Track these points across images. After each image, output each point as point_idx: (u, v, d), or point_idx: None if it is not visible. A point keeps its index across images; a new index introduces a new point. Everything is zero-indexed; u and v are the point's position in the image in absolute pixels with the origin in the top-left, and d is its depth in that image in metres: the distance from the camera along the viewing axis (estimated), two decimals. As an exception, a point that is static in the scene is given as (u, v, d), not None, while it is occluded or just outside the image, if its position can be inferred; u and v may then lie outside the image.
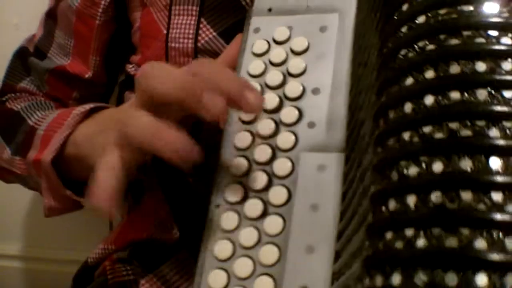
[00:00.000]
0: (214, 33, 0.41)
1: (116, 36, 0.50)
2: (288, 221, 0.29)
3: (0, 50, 0.73)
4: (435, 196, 0.17)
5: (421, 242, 0.16)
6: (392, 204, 0.18)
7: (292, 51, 0.33)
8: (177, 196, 0.30)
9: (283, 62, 0.33)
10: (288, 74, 0.33)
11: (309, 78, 0.32)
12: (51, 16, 0.53)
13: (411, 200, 0.17)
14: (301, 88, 0.32)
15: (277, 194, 0.30)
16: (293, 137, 0.31)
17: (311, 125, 0.31)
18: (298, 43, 0.33)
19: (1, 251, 0.76)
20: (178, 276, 0.38)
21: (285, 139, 0.31)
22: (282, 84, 0.32)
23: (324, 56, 0.32)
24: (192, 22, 0.41)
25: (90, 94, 0.42)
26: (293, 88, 0.32)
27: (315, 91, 0.32)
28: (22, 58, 0.54)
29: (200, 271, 0.30)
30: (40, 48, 0.53)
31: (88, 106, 0.40)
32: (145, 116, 0.29)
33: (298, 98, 0.32)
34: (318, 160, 0.30)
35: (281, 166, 0.30)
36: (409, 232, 0.17)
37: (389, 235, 0.18)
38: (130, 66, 0.47)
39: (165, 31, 0.43)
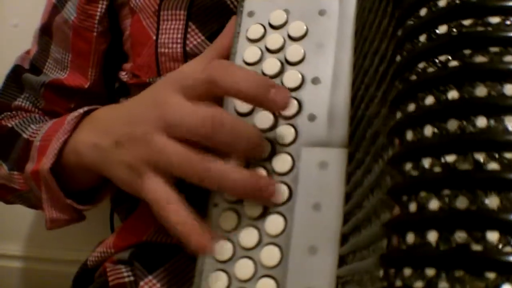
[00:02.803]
0: (203, 37, 0.40)
1: (112, 46, 0.49)
2: (289, 220, 0.28)
3: (0, 50, 0.72)
4: (459, 235, 0.16)
5: (443, 285, 0.16)
6: (410, 238, 0.17)
7: (290, 37, 0.31)
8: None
9: (280, 48, 0.31)
10: (286, 62, 0.31)
11: (308, 66, 0.30)
12: (45, 32, 0.51)
13: (432, 236, 0.16)
14: (300, 77, 0.30)
15: (278, 192, 0.29)
16: (293, 131, 0.29)
17: (312, 117, 0.29)
18: (296, 28, 0.31)
19: (2, 251, 0.76)
20: (178, 278, 0.38)
21: (284, 133, 0.30)
22: (280, 73, 0.30)
23: (324, 43, 0.30)
24: (180, 26, 0.40)
25: (89, 105, 0.40)
26: (292, 77, 0.30)
27: (315, 80, 0.30)
28: (16, 76, 0.52)
29: (199, 273, 0.29)
30: (35, 64, 0.51)
31: (81, 110, 0.39)
32: (174, 145, 0.29)
33: (297, 88, 0.30)
34: (319, 156, 0.29)
35: (281, 162, 0.29)
36: (430, 272, 0.16)
37: (407, 271, 0.17)
38: (123, 73, 0.46)
39: (154, 37, 0.42)
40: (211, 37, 0.40)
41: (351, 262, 0.24)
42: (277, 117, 0.30)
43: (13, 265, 0.75)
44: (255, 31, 0.31)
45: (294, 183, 0.29)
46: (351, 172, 0.27)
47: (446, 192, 0.16)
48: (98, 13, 0.47)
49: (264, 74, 0.31)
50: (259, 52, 0.31)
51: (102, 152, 0.33)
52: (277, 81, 0.30)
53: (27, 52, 0.54)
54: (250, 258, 0.28)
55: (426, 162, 0.17)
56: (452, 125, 0.17)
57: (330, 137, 0.29)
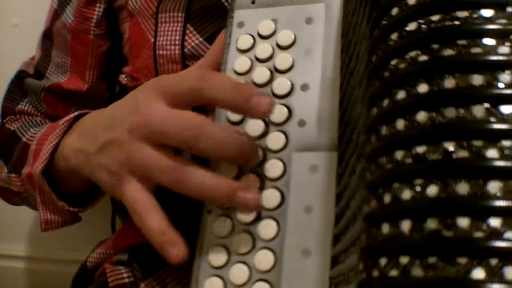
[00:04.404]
0: (201, 39, 0.41)
1: (113, 50, 0.50)
2: (282, 224, 0.29)
3: (0, 50, 0.73)
4: (431, 223, 0.16)
5: (416, 272, 0.16)
6: (385, 229, 0.17)
7: (279, 46, 0.31)
8: (175, 200, 0.30)
9: (270, 57, 0.31)
10: (275, 70, 0.31)
11: (297, 73, 0.31)
12: (47, 37, 0.53)
13: (406, 226, 0.17)
14: (289, 84, 0.31)
15: (270, 197, 0.29)
16: (283, 137, 0.30)
17: (302, 123, 0.30)
18: (284, 37, 0.31)
19: (2, 251, 0.76)
20: (178, 280, 0.38)
21: (275, 139, 0.30)
22: (270, 81, 0.31)
23: (311, 50, 0.31)
24: (178, 28, 0.41)
25: (90, 109, 0.41)
26: (281, 84, 0.31)
27: (304, 87, 0.31)
28: (19, 81, 0.54)
29: (195, 279, 0.29)
30: (39, 69, 0.53)
31: (73, 114, 0.40)
32: (155, 152, 0.29)
33: (287, 95, 0.31)
34: (310, 160, 0.29)
35: (273, 167, 0.30)
36: (404, 260, 0.16)
37: (383, 261, 0.17)
38: (123, 76, 0.47)
39: (152, 39, 0.42)
40: (209, 38, 0.41)
41: (342, 262, 0.25)
42: (268, 124, 0.30)
43: (13, 265, 0.75)
44: (244, 41, 0.32)
45: (286, 188, 0.29)
46: (340, 174, 0.27)
47: (418, 182, 0.17)
48: (95, 16, 0.48)
49: (254, 83, 0.31)
50: (249, 62, 0.32)
51: (86, 157, 0.33)
52: (267, 89, 0.31)
53: (33, 58, 0.55)
54: (244, 263, 0.29)
55: (399, 154, 0.18)
56: (422, 116, 0.17)
57: (320, 141, 0.29)
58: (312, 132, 0.30)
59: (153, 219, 0.28)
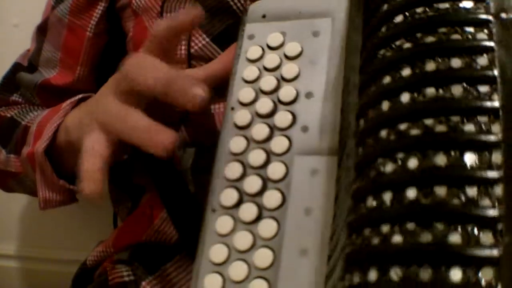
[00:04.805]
0: (207, 39, 0.41)
1: (110, 47, 0.51)
2: (282, 224, 0.29)
3: (0, 50, 0.73)
4: (411, 192, 0.17)
5: (396, 238, 0.16)
6: (369, 201, 0.18)
7: (286, 56, 0.33)
8: (175, 199, 0.31)
9: (277, 67, 0.33)
10: (282, 79, 0.33)
11: (303, 82, 0.32)
12: (41, 30, 0.54)
13: (387, 196, 0.17)
14: (294, 92, 0.32)
15: (271, 198, 0.30)
16: (287, 141, 0.31)
17: (305, 129, 0.31)
18: (292, 48, 0.33)
19: (2, 251, 0.75)
20: (178, 278, 0.38)
21: (279, 143, 0.31)
22: (276, 89, 0.33)
23: (317, 60, 0.32)
24: None
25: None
26: (286, 92, 0.32)
27: (308, 95, 0.32)
28: (13, 74, 0.55)
29: (196, 275, 0.30)
30: (32, 62, 0.54)
31: (77, 97, 0.41)
32: (115, 104, 0.30)
33: (292, 102, 0.32)
34: (311, 163, 0.30)
35: (275, 170, 0.31)
36: (385, 228, 0.17)
37: (366, 231, 0.18)
38: None
39: None
40: (215, 39, 0.41)
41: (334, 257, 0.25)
42: (272, 129, 0.32)
43: (12, 265, 0.75)
44: (254, 52, 0.34)
45: (287, 189, 0.30)
46: (339, 177, 0.28)
47: (400, 155, 0.18)
48: (95, 15, 0.49)
49: (261, 90, 0.33)
50: (257, 71, 0.33)
51: (83, 127, 0.34)
52: (273, 96, 0.33)
53: (29, 50, 0.56)
54: (244, 260, 0.29)
55: (383, 133, 0.19)
56: (405, 97, 0.18)
57: (321, 146, 0.30)
58: (314, 137, 0.31)
59: (90, 162, 0.29)
